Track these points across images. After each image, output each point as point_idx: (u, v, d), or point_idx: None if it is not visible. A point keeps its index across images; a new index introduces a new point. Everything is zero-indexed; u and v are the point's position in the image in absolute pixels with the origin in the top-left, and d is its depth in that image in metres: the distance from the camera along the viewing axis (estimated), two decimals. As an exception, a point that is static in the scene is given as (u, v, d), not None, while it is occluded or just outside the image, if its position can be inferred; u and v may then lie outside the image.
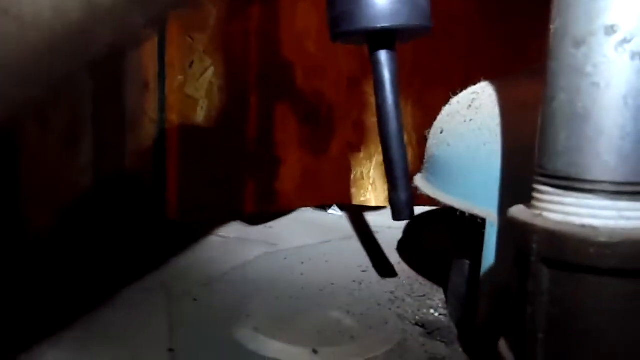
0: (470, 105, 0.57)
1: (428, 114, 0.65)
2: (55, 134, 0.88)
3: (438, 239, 0.74)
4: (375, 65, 0.60)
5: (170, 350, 0.53)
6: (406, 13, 0.56)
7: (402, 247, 0.85)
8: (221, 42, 1.13)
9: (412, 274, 0.75)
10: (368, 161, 1.42)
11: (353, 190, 1.43)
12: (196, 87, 1.12)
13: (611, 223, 0.33)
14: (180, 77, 1.09)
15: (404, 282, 0.72)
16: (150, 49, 1.03)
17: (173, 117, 1.09)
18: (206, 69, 1.13)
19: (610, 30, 0.32)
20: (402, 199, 0.61)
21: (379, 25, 0.57)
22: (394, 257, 0.80)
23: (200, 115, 1.14)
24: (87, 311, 0.61)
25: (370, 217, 0.96)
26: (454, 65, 1.29)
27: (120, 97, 0.98)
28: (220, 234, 0.87)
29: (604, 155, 0.33)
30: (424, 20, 0.58)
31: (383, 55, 0.60)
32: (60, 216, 0.88)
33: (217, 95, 1.15)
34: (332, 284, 0.70)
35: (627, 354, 0.34)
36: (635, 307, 0.33)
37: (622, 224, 0.33)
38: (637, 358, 0.34)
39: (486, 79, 0.60)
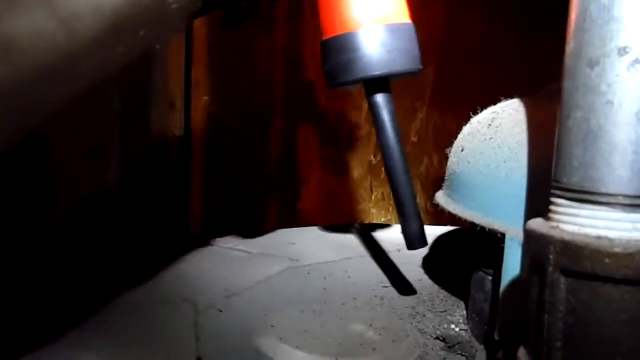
0: (490, 124, 0.59)
1: (451, 132, 0.67)
2: (82, 148, 0.90)
3: (461, 255, 0.75)
4: (373, 108, 0.64)
5: (198, 359, 0.55)
6: (399, 60, 0.60)
7: (425, 263, 0.86)
8: (246, 63, 1.16)
9: (433, 290, 0.76)
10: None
11: (374, 211, 1.44)
12: (221, 107, 1.14)
13: (626, 234, 0.34)
14: (205, 98, 1.12)
15: (425, 298, 0.73)
16: (176, 68, 1.06)
17: (198, 136, 1.11)
18: (231, 89, 1.16)
19: (623, 51, 0.34)
20: (413, 229, 0.64)
21: (374, 74, 0.60)
22: (416, 274, 0.81)
23: (224, 134, 1.16)
24: (115, 322, 0.63)
25: (392, 235, 0.97)
26: (475, 85, 1.31)
27: (147, 115, 1.01)
28: (243, 249, 0.89)
29: (618, 170, 0.34)
30: (414, 64, 0.62)
31: (380, 99, 0.63)
32: (85, 229, 0.90)
33: (241, 115, 1.18)
34: (354, 298, 0.71)
35: (642, 362, 0.35)
36: (649, 316, 0.34)
37: (637, 235, 0.34)
38: (652, 366, 0.35)
39: (506, 98, 0.62)
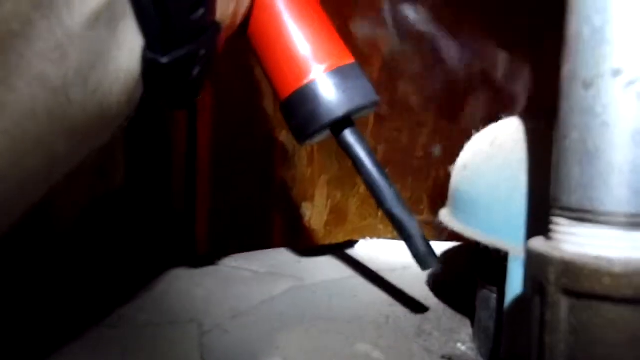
0: (492, 143, 0.59)
1: (457, 147, 0.67)
2: (88, 163, 0.91)
3: (467, 272, 0.75)
4: (347, 148, 0.67)
5: (204, 380, 0.55)
6: (356, 97, 0.64)
7: (431, 280, 0.86)
8: (250, 78, 1.17)
9: (439, 308, 0.76)
10: (399, 197, 1.43)
11: (381, 227, 1.44)
12: (225, 126, 1.15)
13: (625, 254, 0.35)
14: (209, 116, 1.12)
15: (431, 316, 0.73)
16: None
17: (203, 155, 1.12)
18: (235, 107, 1.16)
19: (617, 73, 0.34)
20: (421, 250, 0.65)
21: (338, 115, 0.63)
22: (423, 291, 0.81)
23: (229, 154, 1.17)
24: (119, 342, 0.63)
25: (398, 252, 0.97)
26: (477, 105, 1.31)
27: (152, 132, 1.02)
28: (249, 268, 0.90)
29: (616, 189, 0.35)
30: (371, 97, 0.66)
31: (350, 137, 0.66)
32: (89, 244, 0.91)
33: (245, 134, 1.18)
34: (360, 317, 0.71)
35: (644, 382, 0.35)
36: (650, 336, 0.34)
37: (636, 254, 0.35)
38: (655, 386, 0.35)
39: (507, 116, 0.62)
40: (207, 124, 1.12)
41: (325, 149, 1.32)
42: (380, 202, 0.66)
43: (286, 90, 0.65)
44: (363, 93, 0.65)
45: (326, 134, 0.69)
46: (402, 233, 0.66)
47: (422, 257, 0.65)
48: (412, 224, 0.65)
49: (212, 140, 1.13)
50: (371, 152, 0.67)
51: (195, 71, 0.50)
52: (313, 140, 0.70)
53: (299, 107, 0.64)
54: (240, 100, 1.17)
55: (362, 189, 1.39)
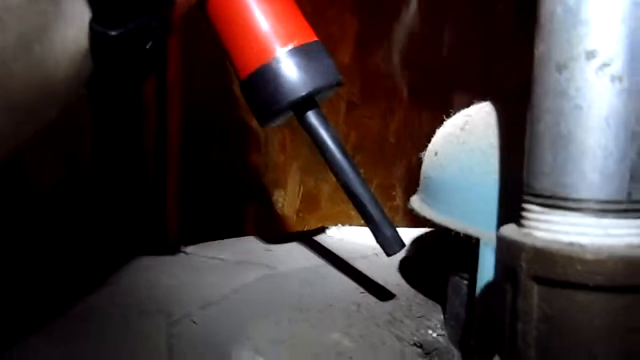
0: (462, 128, 0.58)
1: (429, 133, 0.67)
2: (54, 150, 0.89)
3: (439, 258, 0.75)
4: (309, 129, 0.65)
5: (171, 371, 0.54)
6: (319, 76, 0.62)
7: (403, 267, 0.86)
8: (221, 62, 1.15)
9: (410, 294, 0.75)
10: (368, 183, 1.43)
11: (353, 213, 1.43)
12: (196, 113, 1.13)
13: (597, 240, 0.34)
14: (179, 102, 1.10)
15: (403, 303, 0.72)
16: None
17: (172, 141, 1.10)
18: (206, 93, 1.14)
19: (591, 55, 0.33)
20: (388, 235, 0.64)
21: (301, 95, 0.62)
22: (394, 278, 0.80)
23: (199, 141, 1.15)
24: (85, 332, 0.61)
25: (370, 239, 0.96)
26: (449, 89, 1.31)
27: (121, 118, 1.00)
28: (220, 257, 0.88)
29: (588, 175, 0.34)
30: (334, 77, 0.64)
31: (312, 118, 0.64)
32: (55, 232, 0.88)
33: (216, 120, 1.17)
34: (331, 305, 0.70)
35: (616, 369, 0.34)
36: (623, 322, 0.34)
37: (608, 241, 0.34)
38: (626, 373, 0.34)
39: (479, 101, 0.61)
40: (176, 109, 1.09)
41: (297, 135, 1.30)
42: (343, 185, 0.65)
43: (246, 69, 0.63)
44: (326, 73, 0.63)
45: (289, 115, 0.67)
46: (367, 218, 0.65)
47: (387, 242, 0.64)
48: (376, 208, 0.64)
49: (183, 124, 1.11)
50: (335, 135, 0.65)
51: (148, 45, 0.48)
52: (275, 121, 0.68)
53: (260, 86, 0.62)
54: (211, 84, 1.15)
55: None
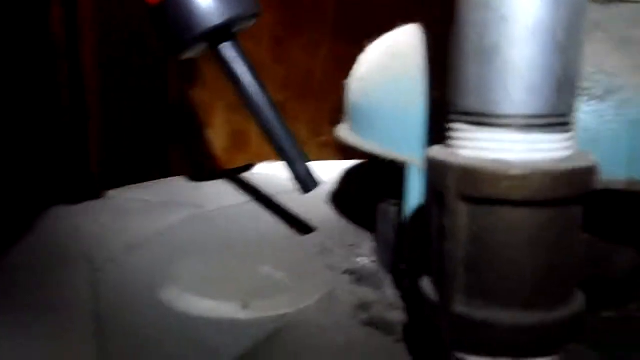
0: (387, 52, 0.57)
1: (346, 64, 0.65)
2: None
3: (368, 188, 0.75)
4: (222, 62, 0.62)
5: (97, 317, 0.52)
6: (235, 5, 0.59)
7: (333, 199, 0.86)
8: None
9: (340, 225, 0.75)
10: (296, 120, 1.40)
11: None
12: (111, 48, 1.07)
13: (523, 156, 0.34)
14: (93, 39, 1.03)
15: (333, 233, 0.72)
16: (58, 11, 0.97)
17: (90, 81, 1.04)
18: (121, 27, 1.08)
19: (515, -38, 0.32)
20: (301, 171, 0.63)
21: (217, 23, 0.58)
22: (323, 210, 0.80)
23: (117, 77, 1.09)
24: (5, 285, 0.58)
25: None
26: (379, 15, 1.28)
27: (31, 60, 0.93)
28: (144, 199, 0.85)
29: (513, 89, 0.33)
30: (252, 7, 0.61)
31: (228, 50, 0.61)
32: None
33: (133, 55, 1.11)
34: (261, 240, 0.70)
35: (541, 281, 0.35)
36: (548, 235, 0.34)
37: (534, 156, 0.34)
38: (551, 284, 0.35)
39: (403, 24, 0.60)
40: (91, 41, 1.03)
41: (221, 73, 1.26)
42: (258, 122, 0.63)
43: None
44: (243, 2, 0.60)
45: (203, 47, 0.63)
46: (281, 154, 0.63)
47: (302, 179, 0.63)
48: (290, 144, 0.62)
49: (97, 62, 1.05)
50: (252, 70, 0.62)
51: None
52: (188, 53, 0.64)
53: (171, 13, 0.58)
54: (125, 15, 1.08)
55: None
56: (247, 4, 0.60)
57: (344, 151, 0.99)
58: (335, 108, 1.40)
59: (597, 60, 0.45)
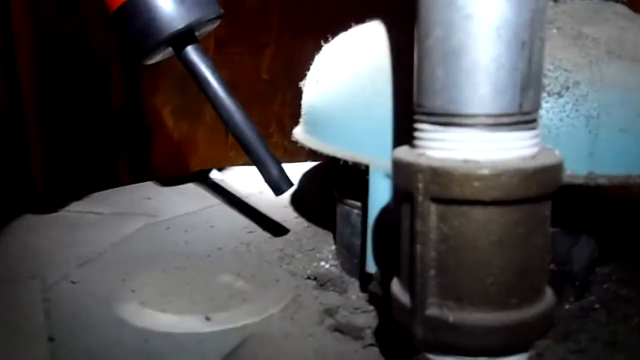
0: (343, 52, 0.56)
1: (303, 65, 0.64)
2: None
3: (325, 191, 0.74)
4: (189, 66, 0.62)
5: (51, 339, 0.49)
6: (196, 9, 0.59)
7: (290, 203, 0.85)
8: (78, 9, 1.05)
9: (299, 229, 0.74)
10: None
11: (232, 154, 1.40)
12: (50, 57, 1.03)
13: (492, 155, 0.34)
14: (30, 50, 1.00)
15: (292, 238, 0.71)
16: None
17: (28, 90, 1.00)
18: (60, 36, 1.04)
19: (479, -40, 0.32)
20: (273, 174, 0.62)
21: (179, 27, 0.58)
22: (282, 214, 0.79)
23: (59, 85, 1.05)
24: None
25: (252, 178, 0.94)
26: (322, 14, 1.28)
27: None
28: (94, 210, 0.82)
29: (480, 89, 0.33)
30: (213, 10, 0.61)
31: (192, 53, 0.61)
32: None
33: (75, 62, 1.07)
34: (219, 248, 0.68)
35: (513, 280, 0.35)
36: (518, 234, 0.34)
37: (502, 155, 0.34)
38: (522, 283, 0.35)
39: (357, 23, 0.59)
40: (28, 55, 0.99)
41: (168, 78, 1.23)
42: (228, 125, 0.62)
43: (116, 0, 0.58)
44: (205, 4, 0.60)
45: (168, 52, 0.63)
46: (252, 157, 0.62)
47: (275, 181, 0.62)
48: (260, 146, 0.62)
49: (36, 71, 1.01)
50: (217, 72, 0.62)
51: None
52: (153, 58, 0.63)
53: (134, 18, 0.58)
54: (63, 23, 1.05)
55: (209, 117, 1.32)
56: (209, 7, 0.60)
57: (294, 153, 0.98)
58: (282, 110, 1.40)
59: (554, 56, 0.45)
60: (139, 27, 0.57)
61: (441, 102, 0.34)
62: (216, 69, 0.61)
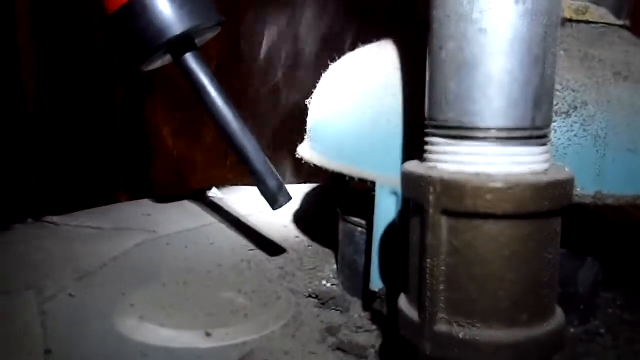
0: (351, 71, 0.57)
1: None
2: None
3: (326, 210, 0.73)
4: (188, 72, 0.60)
5: (48, 351, 0.48)
6: (196, 14, 0.58)
7: (291, 221, 0.84)
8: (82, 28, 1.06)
9: (300, 248, 0.74)
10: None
11: (230, 176, 1.40)
12: (54, 75, 1.03)
13: (504, 169, 0.34)
14: (32, 67, 1.00)
15: (293, 257, 0.71)
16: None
17: (31, 103, 1.00)
18: (62, 56, 1.05)
19: (494, -25, 0.32)
20: (271, 187, 0.61)
21: (178, 33, 0.57)
22: (282, 233, 0.79)
23: (60, 104, 1.05)
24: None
25: (253, 197, 0.94)
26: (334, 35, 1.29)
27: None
28: (94, 225, 0.81)
29: (494, 102, 0.33)
30: (213, 17, 0.60)
31: (190, 60, 0.60)
32: None
33: (77, 82, 1.07)
34: (220, 265, 0.67)
35: (524, 296, 0.34)
36: (530, 249, 0.34)
37: (515, 169, 0.34)
38: (533, 299, 0.35)
39: (364, 43, 0.60)
40: (31, 72, 0.99)
41: (168, 99, 1.24)
42: (226, 136, 0.61)
43: (113, 3, 0.57)
44: (205, 11, 0.59)
45: (167, 59, 0.62)
46: (249, 169, 0.61)
47: (270, 194, 0.61)
48: (258, 157, 0.60)
49: (38, 89, 1.01)
50: (216, 81, 0.60)
51: None
52: (151, 64, 0.62)
53: (131, 22, 0.57)
54: (67, 42, 1.05)
55: (208, 139, 1.32)
56: (209, 14, 0.59)
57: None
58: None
59: (562, 77, 0.45)
60: (137, 32, 0.56)
61: (454, 115, 0.34)
62: (214, 77, 0.60)
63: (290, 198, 0.62)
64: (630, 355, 0.50)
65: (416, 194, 0.35)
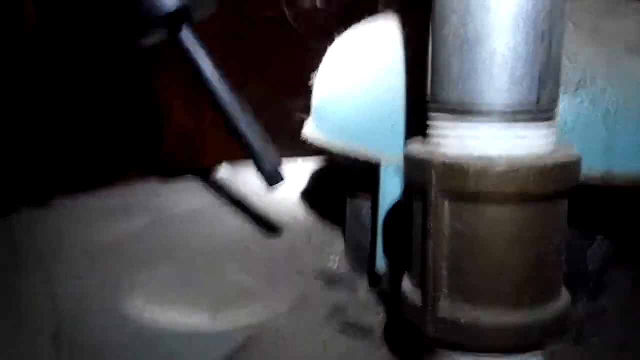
0: (355, 47, 0.55)
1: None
2: None
3: (334, 189, 0.73)
4: (184, 48, 0.59)
5: (55, 333, 0.48)
6: None
7: (299, 199, 0.84)
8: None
9: (308, 225, 0.73)
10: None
11: (241, 152, 1.39)
12: (64, 46, 1.03)
13: (508, 150, 0.33)
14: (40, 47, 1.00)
15: (301, 234, 0.70)
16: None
17: (39, 84, 1.00)
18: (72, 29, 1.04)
19: (498, -52, 0.31)
20: (266, 163, 0.59)
21: (174, 6, 0.56)
22: (290, 211, 0.78)
23: (70, 77, 1.05)
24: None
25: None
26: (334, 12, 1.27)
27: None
28: (103, 204, 0.82)
29: (498, 80, 0.32)
30: None
31: (188, 36, 0.58)
32: None
33: (87, 55, 1.07)
34: (228, 245, 0.67)
35: (527, 279, 0.34)
36: (533, 232, 0.33)
37: (519, 150, 0.33)
38: (536, 281, 0.34)
39: (370, 16, 0.58)
40: (39, 48, 0.99)
41: (178, 74, 1.23)
42: (222, 111, 0.59)
43: None
44: None
45: (162, 35, 0.61)
46: (246, 146, 0.59)
47: (266, 171, 0.59)
48: (254, 134, 0.59)
49: (48, 63, 1.01)
50: (210, 54, 0.59)
51: None
52: (148, 40, 0.61)
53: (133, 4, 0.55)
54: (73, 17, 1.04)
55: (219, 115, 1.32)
56: None
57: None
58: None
59: (570, 51, 0.44)
60: (134, 6, 0.55)
61: (456, 93, 0.33)
62: (210, 54, 0.59)
63: (282, 178, 0.59)
64: (638, 332, 0.49)
65: (418, 176, 0.34)
